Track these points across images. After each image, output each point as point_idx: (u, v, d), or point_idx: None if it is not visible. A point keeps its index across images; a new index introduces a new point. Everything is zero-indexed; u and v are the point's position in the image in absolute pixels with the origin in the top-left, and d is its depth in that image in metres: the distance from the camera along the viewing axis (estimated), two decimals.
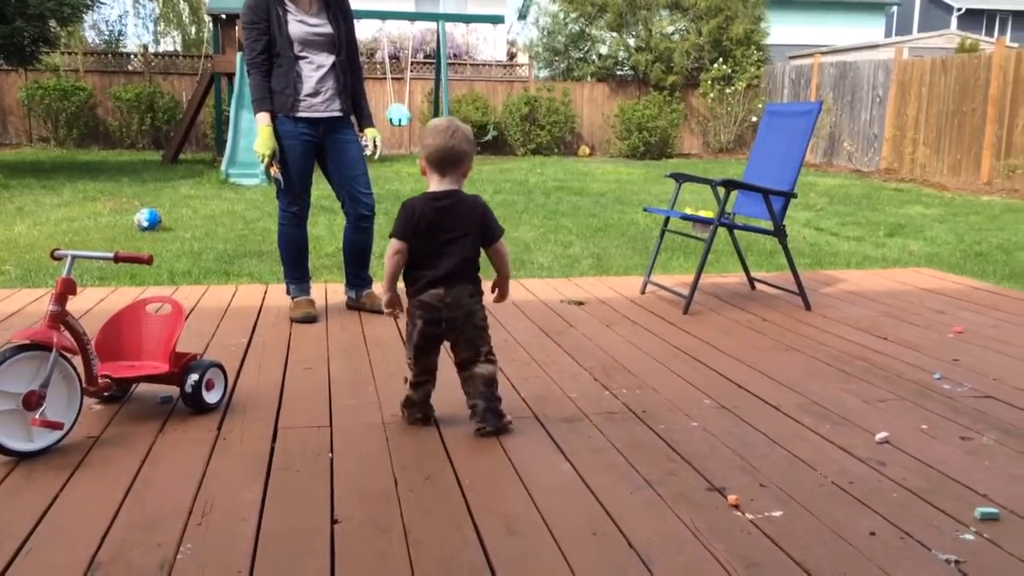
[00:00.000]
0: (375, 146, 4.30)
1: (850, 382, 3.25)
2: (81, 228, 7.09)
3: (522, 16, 29.40)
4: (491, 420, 2.63)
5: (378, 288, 4.60)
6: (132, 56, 17.56)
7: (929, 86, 13.00)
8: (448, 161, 2.59)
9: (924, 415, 2.90)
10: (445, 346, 2.69)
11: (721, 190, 4.51)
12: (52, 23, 11.19)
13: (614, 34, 18.88)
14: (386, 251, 2.60)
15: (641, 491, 2.28)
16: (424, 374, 2.68)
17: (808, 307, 4.46)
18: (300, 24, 3.90)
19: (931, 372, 3.38)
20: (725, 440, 2.65)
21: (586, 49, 19.38)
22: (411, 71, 16.63)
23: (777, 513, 2.16)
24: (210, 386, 2.82)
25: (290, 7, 3.89)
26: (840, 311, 4.44)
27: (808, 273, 5.45)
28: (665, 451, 2.55)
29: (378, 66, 17.59)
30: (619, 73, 18.85)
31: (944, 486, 2.33)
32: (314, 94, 3.95)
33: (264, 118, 3.89)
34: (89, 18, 19.66)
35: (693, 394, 3.09)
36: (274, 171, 3.94)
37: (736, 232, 4.93)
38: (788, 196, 4.47)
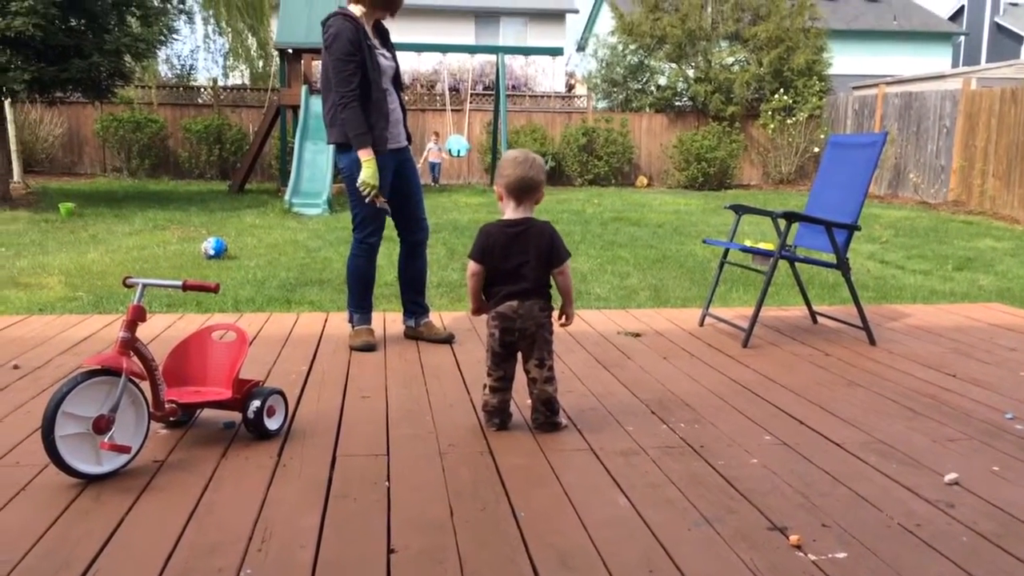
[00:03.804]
0: None
1: (917, 420, 3.17)
2: (151, 256, 7.31)
3: (581, 48, 29.62)
4: (547, 429, 2.97)
5: (438, 318, 4.64)
6: (202, 89, 18.16)
7: (999, 116, 12.69)
8: (524, 189, 2.89)
9: (995, 456, 2.81)
10: None
11: (782, 222, 4.45)
12: (127, 58, 11.63)
13: (673, 65, 18.89)
14: (466, 272, 2.98)
15: (699, 528, 2.24)
16: (501, 381, 2.95)
17: (872, 342, 4.36)
18: (381, 57, 3.97)
19: (1002, 411, 3.27)
20: (786, 477, 2.59)
21: (645, 80, 19.41)
22: (470, 103, 16.85)
23: (841, 555, 2.10)
24: (271, 413, 2.87)
25: (373, 41, 3.95)
26: (906, 346, 4.33)
27: (872, 307, 5.33)
28: (724, 487, 2.51)
29: (438, 98, 17.86)
30: (678, 104, 18.82)
31: (1016, 530, 2.25)
32: (395, 125, 4.04)
33: (369, 152, 3.86)
34: (162, 53, 20.38)
35: (753, 429, 3.04)
36: (380, 202, 3.97)
37: (797, 264, 4.86)
38: (851, 228, 4.39)
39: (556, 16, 29.48)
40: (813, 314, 4.93)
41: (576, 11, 30.10)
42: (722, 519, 2.29)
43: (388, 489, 2.47)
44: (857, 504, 2.41)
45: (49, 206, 11.00)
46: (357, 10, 3.92)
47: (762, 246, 4.59)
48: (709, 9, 18.58)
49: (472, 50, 16.51)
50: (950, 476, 2.60)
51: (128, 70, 12.03)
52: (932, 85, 16.23)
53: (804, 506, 2.39)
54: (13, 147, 14.02)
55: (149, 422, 2.61)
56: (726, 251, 4.78)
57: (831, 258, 4.44)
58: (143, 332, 2.85)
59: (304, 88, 12.97)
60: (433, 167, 16.29)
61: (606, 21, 23.64)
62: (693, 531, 2.22)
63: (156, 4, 12.08)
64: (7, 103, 12.46)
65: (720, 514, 2.33)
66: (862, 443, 2.91)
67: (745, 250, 4.52)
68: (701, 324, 4.76)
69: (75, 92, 11.95)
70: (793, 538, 2.17)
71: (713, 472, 2.63)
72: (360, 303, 4.19)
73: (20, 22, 9.78)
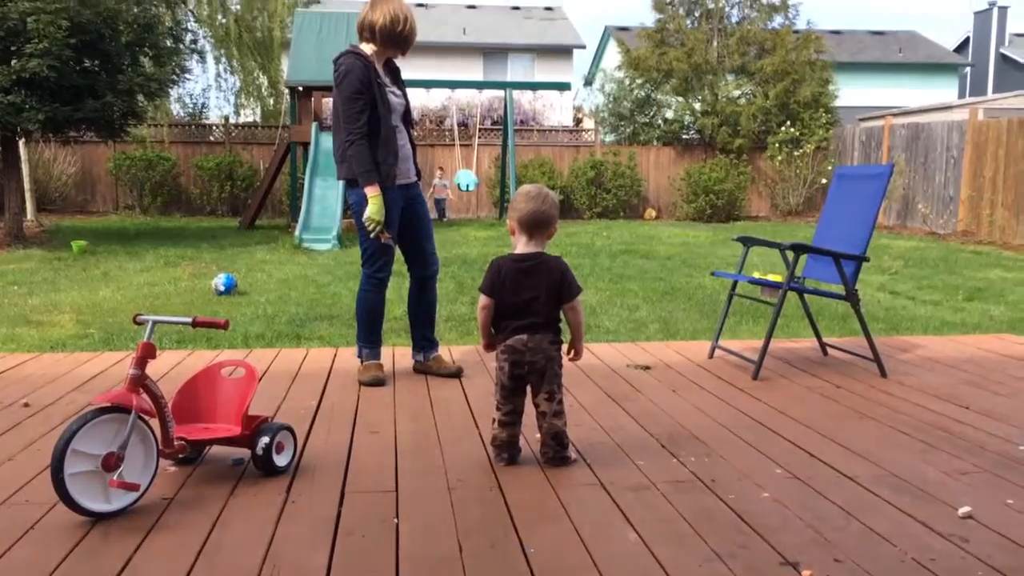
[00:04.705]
0: None
1: (930, 453, 3.14)
2: (162, 292, 7.35)
3: (588, 83, 29.89)
4: (556, 463, 2.94)
5: (448, 352, 4.64)
6: (214, 127, 18.37)
7: (1006, 147, 12.71)
8: (536, 224, 2.91)
9: (1010, 489, 2.77)
10: None
11: (790, 254, 4.45)
12: (140, 98, 11.80)
13: (680, 98, 19.04)
14: (477, 305, 2.98)
15: (710, 564, 2.22)
16: (510, 415, 2.94)
17: (883, 374, 4.33)
18: (391, 94, 4.02)
19: (1016, 443, 3.24)
20: (798, 512, 2.57)
21: (652, 114, 19.56)
22: (479, 137, 16.98)
23: None
24: (280, 449, 2.87)
25: (384, 79, 4.01)
26: (918, 378, 4.30)
27: (883, 339, 5.30)
28: (735, 522, 2.49)
29: (447, 133, 18.01)
30: (685, 137, 18.94)
31: None
32: (404, 161, 4.08)
33: (376, 188, 3.91)
34: (175, 92, 20.65)
35: (763, 463, 3.02)
36: (385, 237, 4.01)
37: (807, 296, 4.85)
38: (860, 260, 4.39)
39: (563, 52, 29.80)
40: (823, 346, 4.90)
41: (583, 47, 30.46)
42: (734, 554, 2.27)
43: (396, 526, 2.45)
44: (870, 538, 2.38)
45: (62, 244, 11.10)
46: (368, 48, 3.98)
47: (771, 278, 4.59)
48: (715, 43, 18.76)
49: (480, 86, 16.71)
50: (964, 510, 2.57)
51: (141, 109, 12.20)
52: (939, 116, 16.29)
53: (816, 541, 2.36)
54: (27, 186, 14.17)
55: (158, 459, 2.61)
56: (735, 283, 4.77)
57: (840, 289, 4.43)
58: (153, 369, 2.86)
59: (314, 125, 13.10)
60: (438, 203, 16.35)
61: (612, 56, 23.89)
62: (704, 567, 2.20)
63: (169, 44, 12.27)
64: (21, 142, 12.62)
65: (732, 549, 2.30)
66: (874, 476, 2.88)
67: (754, 282, 4.51)
68: (711, 357, 4.74)
69: (88, 131, 12.11)
70: (806, 573, 2.15)
71: (724, 507, 2.61)
72: (369, 338, 4.20)
73: (35, 63, 9.94)
